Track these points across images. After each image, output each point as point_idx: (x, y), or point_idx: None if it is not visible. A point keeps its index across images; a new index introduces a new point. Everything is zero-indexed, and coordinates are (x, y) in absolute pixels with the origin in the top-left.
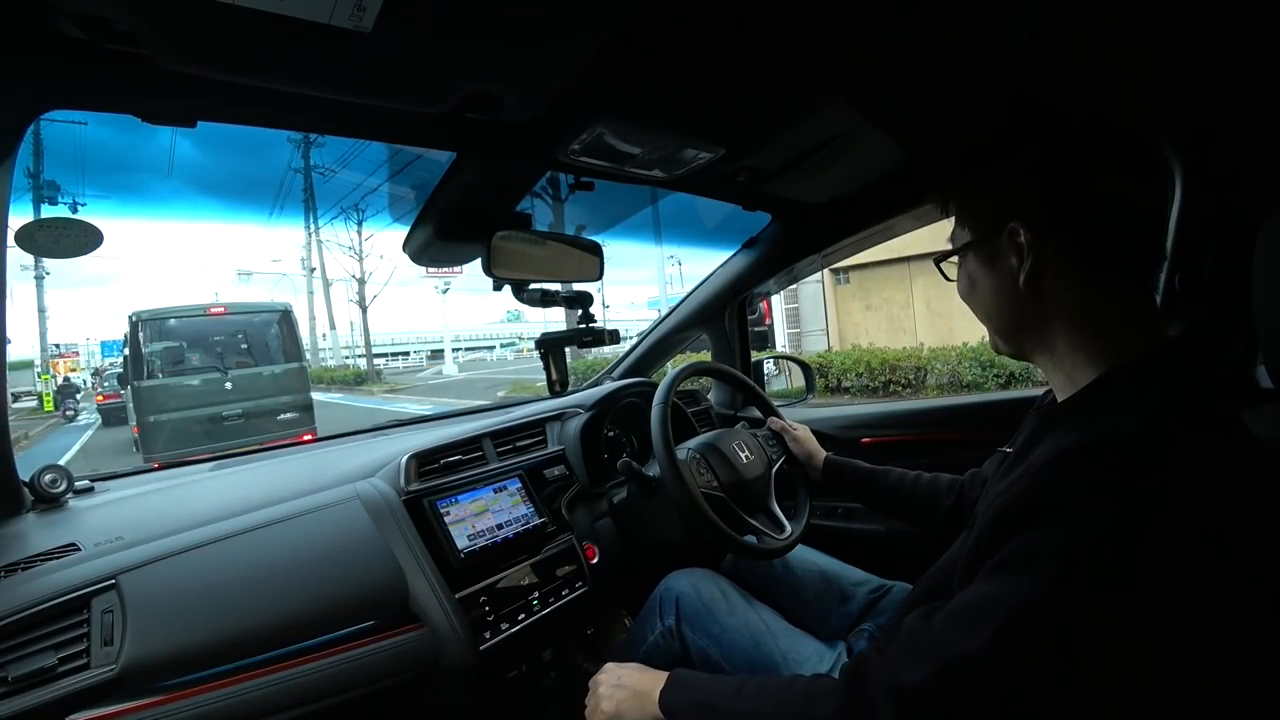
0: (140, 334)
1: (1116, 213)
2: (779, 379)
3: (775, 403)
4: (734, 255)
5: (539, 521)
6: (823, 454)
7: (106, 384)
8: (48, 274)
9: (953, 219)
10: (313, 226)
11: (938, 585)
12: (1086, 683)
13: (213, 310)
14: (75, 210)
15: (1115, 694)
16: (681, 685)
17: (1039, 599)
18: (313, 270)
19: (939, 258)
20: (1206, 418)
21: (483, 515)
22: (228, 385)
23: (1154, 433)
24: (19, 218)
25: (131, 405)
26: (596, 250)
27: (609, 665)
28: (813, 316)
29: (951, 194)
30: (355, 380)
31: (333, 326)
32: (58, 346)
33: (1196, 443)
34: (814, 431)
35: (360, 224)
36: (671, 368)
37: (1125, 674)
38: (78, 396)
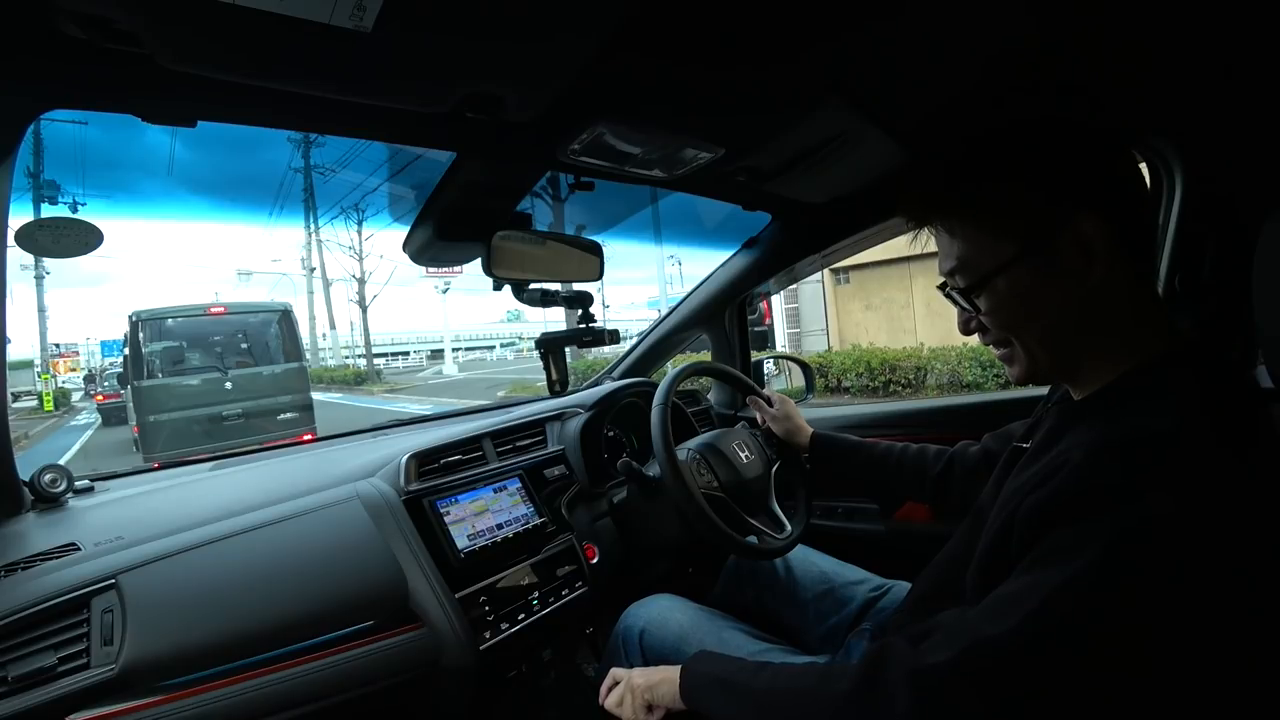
0: (140, 334)
1: (1142, 197)
2: (779, 379)
3: None
4: (734, 255)
5: (539, 521)
6: (809, 430)
7: (106, 384)
8: (48, 274)
9: (949, 239)
10: (313, 226)
11: (944, 580)
12: (1111, 673)
13: (213, 310)
14: (75, 210)
15: (1137, 685)
16: (704, 660)
17: (1072, 586)
18: (313, 270)
19: (970, 287)
20: (1237, 418)
21: (483, 515)
22: (228, 385)
23: (1189, 431)
24: (19, 218)
25: (131, 405)
26: (596, 250)
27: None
28: (813, 316)
29: (967, 210)
30: (355, 380)
31: (333, 326)
32: (58, 346)
33: (1229, 442)
34: None
35: (360, 224)
36: (671, 368)
37: (1151, 666)
38: (95, 382)
